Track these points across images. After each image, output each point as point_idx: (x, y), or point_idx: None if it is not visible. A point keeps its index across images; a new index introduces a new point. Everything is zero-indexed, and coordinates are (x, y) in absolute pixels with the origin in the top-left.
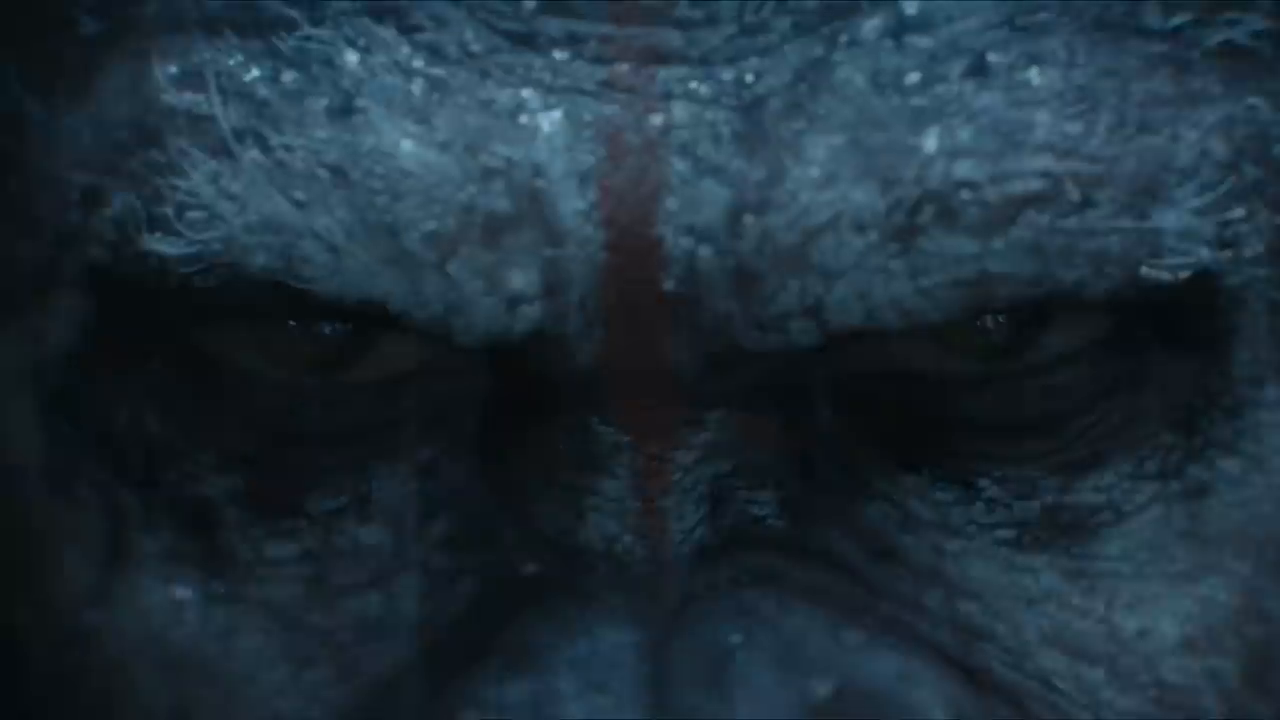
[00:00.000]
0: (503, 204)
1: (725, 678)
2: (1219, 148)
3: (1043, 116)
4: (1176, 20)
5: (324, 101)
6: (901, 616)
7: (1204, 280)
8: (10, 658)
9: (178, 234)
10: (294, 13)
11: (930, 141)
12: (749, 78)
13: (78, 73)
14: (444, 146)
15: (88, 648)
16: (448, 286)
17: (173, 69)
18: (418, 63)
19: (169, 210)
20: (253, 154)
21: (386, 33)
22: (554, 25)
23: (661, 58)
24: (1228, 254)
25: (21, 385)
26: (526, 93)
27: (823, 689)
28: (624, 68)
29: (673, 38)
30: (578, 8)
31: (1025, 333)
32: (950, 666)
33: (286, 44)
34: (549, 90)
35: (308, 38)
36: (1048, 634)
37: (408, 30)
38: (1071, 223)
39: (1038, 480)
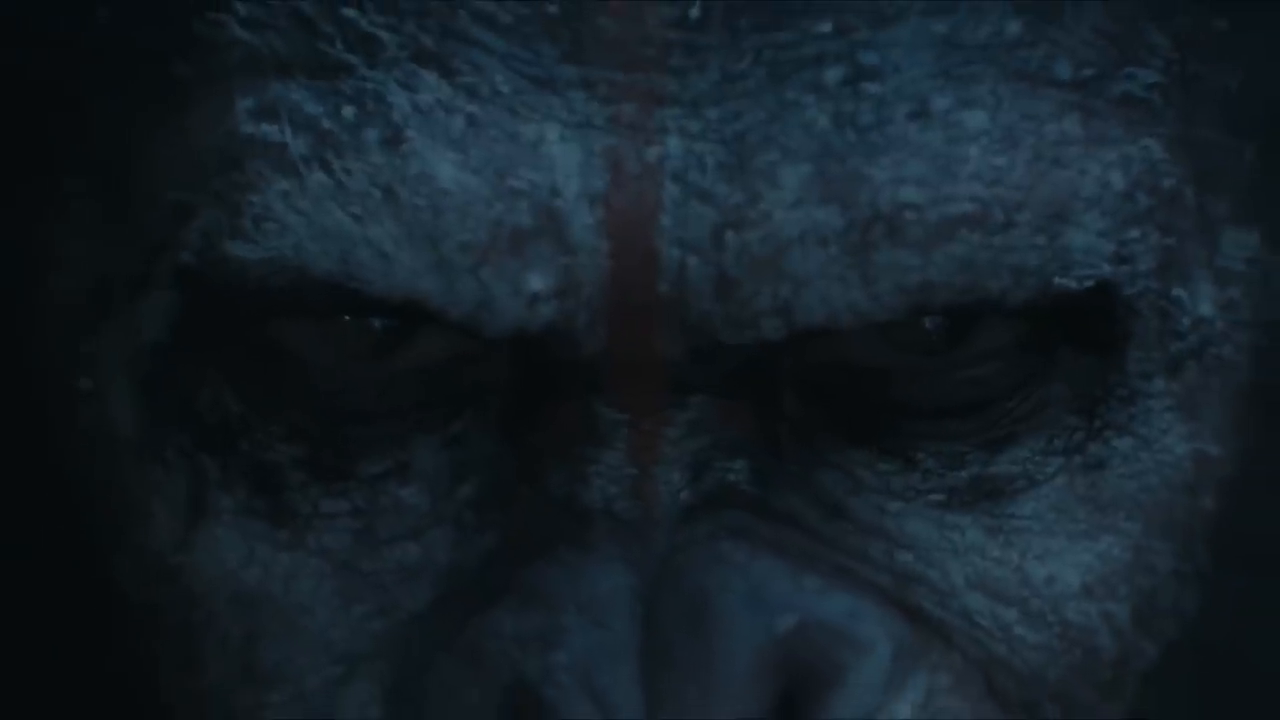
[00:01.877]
0: (525, 220)
1: (704, 615)
2: (1118, 180)
3: (974, 151)
4: (1084, 73)
5: (377, 133)
6: (851, 565)
7: (1104, 291)
8: (107, 593)
9: (254, 242)
10: (353, 59)
11: (881, 171)
12: (731, 117)
13: (171, 107)
14: (477, 171)
15: (173, 586)
16: (478, 288)
17: (251, 104)
18: (456, 101)
19: (247, 222)
20: (318, 176)
21: (430, 76)
22: (570, 71)
23: (659, 99)
24: (1125, 269)
25: (121, 370)
26: (547, 127)
27: (785, 623)
28: (628, 108)
29: (668, 83)
30: (590, 57)
31: (957, 332)
32: (891, 606)
33: (346, 84)
34: (565, 125)
35: (364, 79)
36: (971, 580)
37: (448, 74)
38: (997, 241)
39: (965, 454)
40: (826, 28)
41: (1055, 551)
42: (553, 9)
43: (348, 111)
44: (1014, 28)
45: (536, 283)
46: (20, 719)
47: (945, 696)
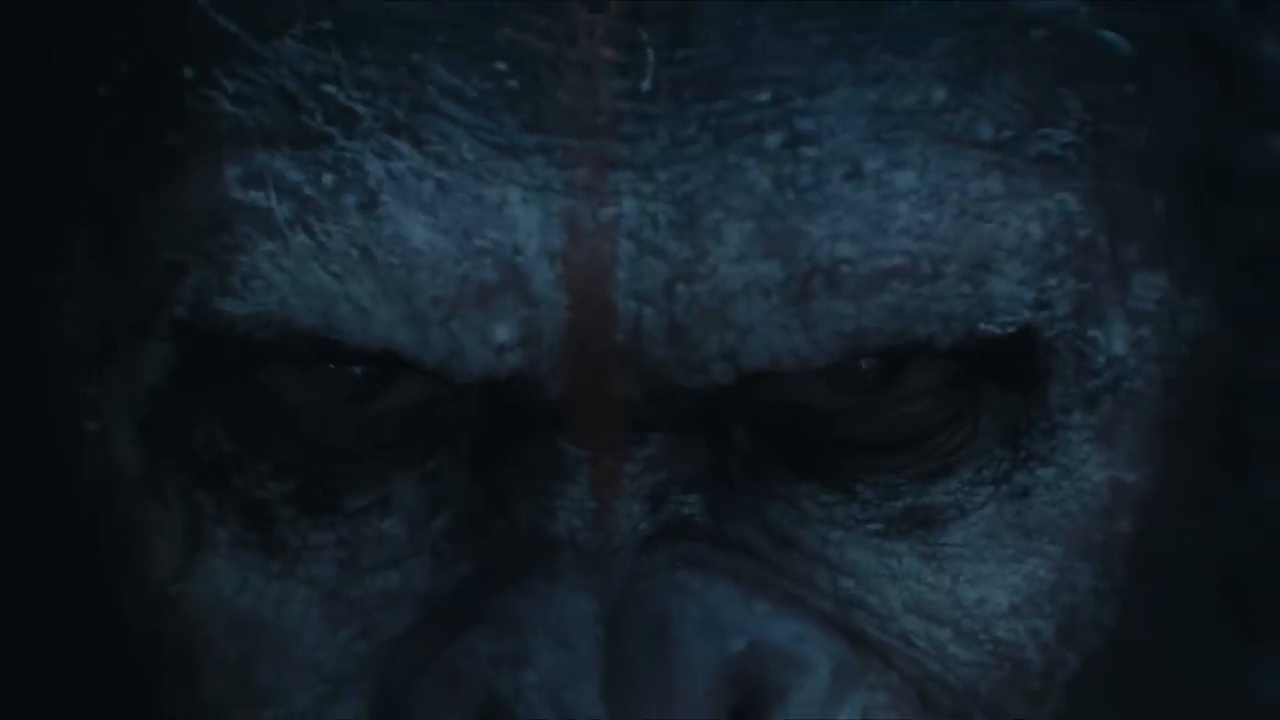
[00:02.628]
0: (491, 276)
1: (662, 638)
2: (1036, 232)
3: (903, 208)
4: (1004, 134)
5: (354, 198)
6: (797, 591)
7: (1026, 334)
8: (113, 618)
9: (242, 298)
10: (332, 130)
11: (818, 228)
12: (680, 179)
13: (166, 174)
14: (446, 232)
15: (174, 612)
16: (449, 338)
17: (239, 172)
18: (426, 168)
19: (236, 280)
20: (300, 238)
21: (402, 145)
22: (529, 139)
23: (612, 164)
24: (1044, 313)
25: (123, 412)
26: (509, 191)
27: (736, 646)
28: (583, 172)
29: (621, 149)
30: (548, 126)
31: (890, 373)
32: (834, 629)
33: (326, 154)
34: (526, 189)
35: (342, 149)
36: (908, 604)
37: (418, 143)
38: (925, 290)
39: (900, 485)
40: (765, 97)
41: (985, 575)
42: (513, 83)
43: (327, 179)
44: (939, 94)
45: (502, 333)
46: (33, 706)
47: (882, 712)
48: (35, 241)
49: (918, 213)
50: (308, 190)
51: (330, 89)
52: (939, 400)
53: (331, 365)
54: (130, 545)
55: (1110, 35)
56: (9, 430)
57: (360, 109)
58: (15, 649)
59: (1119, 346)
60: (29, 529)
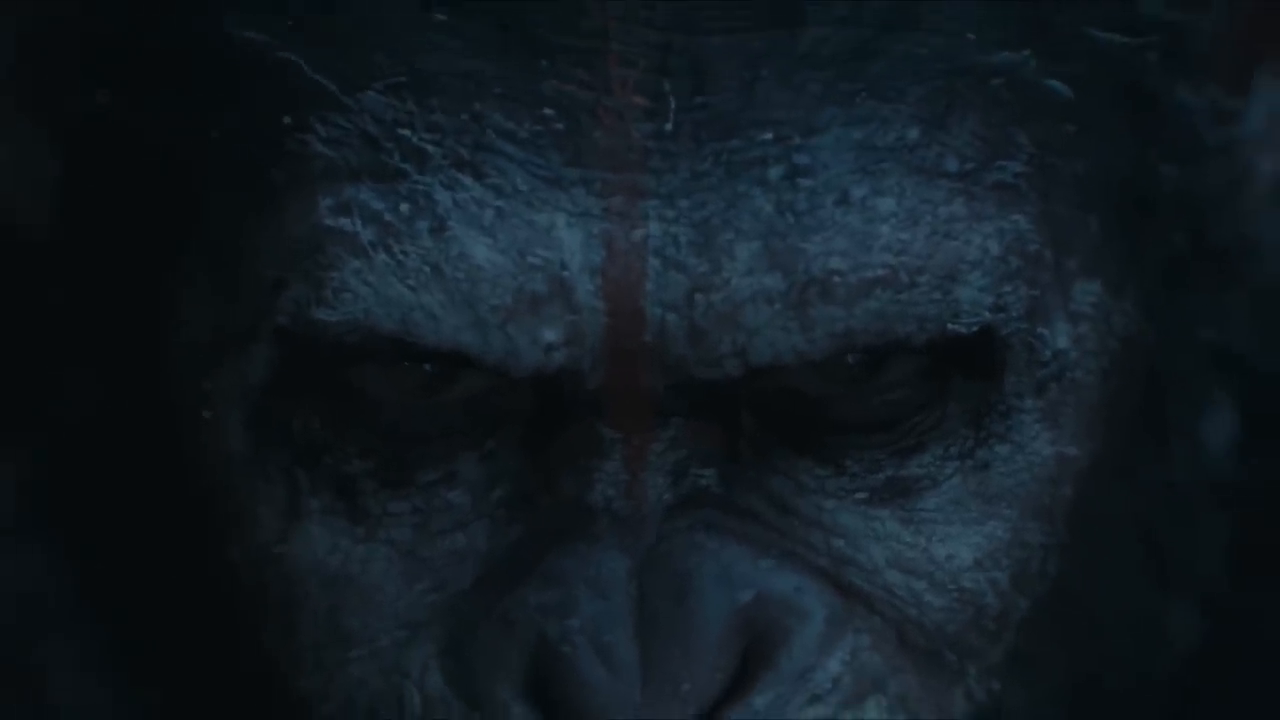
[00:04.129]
0: (541, 287)
1: (683, 590)
2: (994, 248)
3: (885, 229)
4: (967, 166)
5: (426, 224)
6: (796, 550)
7: (986, 332)
8: (226, 576)
9: (333, 308)
10: (407, 167)
11: (814, 246)
12: (698, 206)
13: (269, 205)
14: (503, 251)
15: (275, 570)
16: (506, 340)
17: (330, 203)
18: (486, 198)
19: (328, 293)
20: (382, 257)
21: (466, 179)
22: (573, 173)
23: (641, 193)
24: (1001, 315)
25: (233, 404)
26: (556, 216)
27: (746, 596)
28: (618, 200)
29: (648, 180)
30: (588, 161)
31: (873, 366)
32: (827, 582)
33: (402, 187)
34: (570, 214)
35: (416, 183)
36: (889, 560)
37: (479, 177)
38: (903, 297)
39: (882, 460)
40: (769, 136)
41: (953, 535)
42: (559, 126)
43: (404, 207)
44: (913, 133)
45: (550, 335)
46: (162, 672)
47: (867, 652)
48: (159, 264)
49: (896, 233)
50: (387, 217)
51: (405, 132)
52: (914, 388)
53: (407, 363)
54: (239, 514)
55: (1055, 83)
56: (139, 419)
57: (430, 149)
58: (145, 602)
59: (1063, 342)
60: (156, 501)
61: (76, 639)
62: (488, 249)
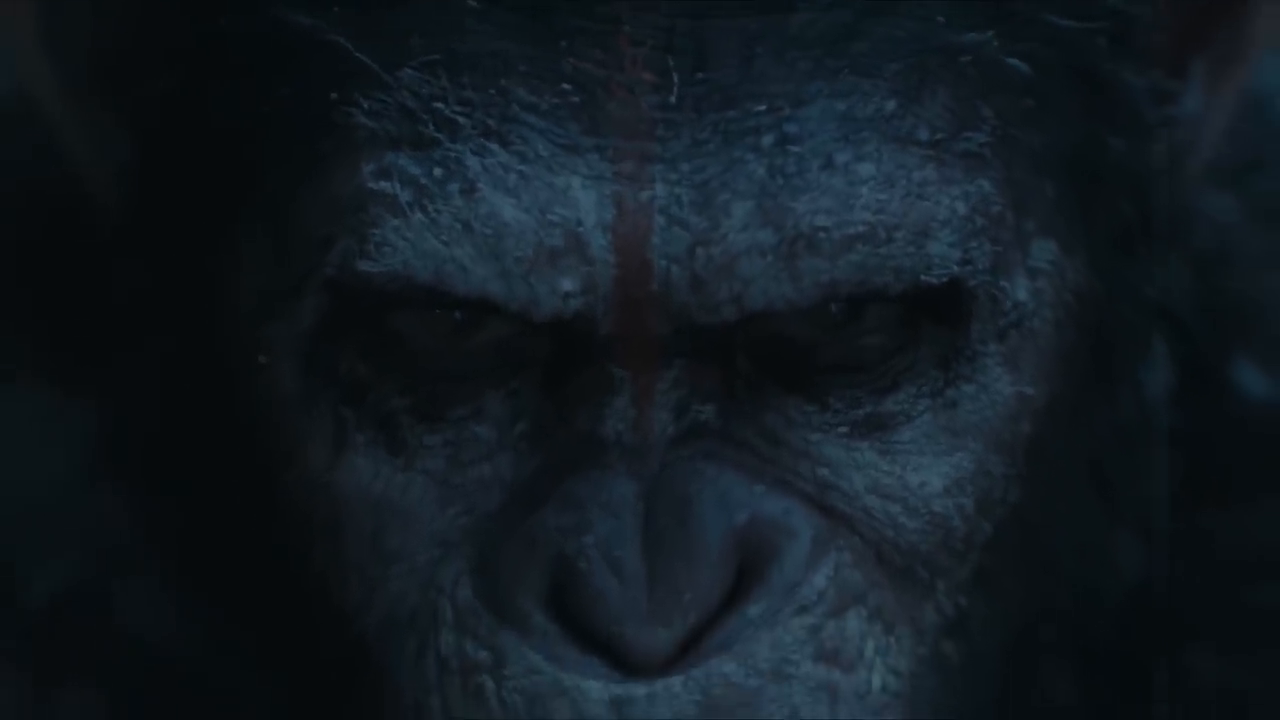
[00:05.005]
0: (559, 242)
1: (685, 512)
2: (962, 209)
3: (865, 191)
4: (938, 136)
5: (457, 186)
6: (786, 478)
7: (954, 284)
8: (277, 503)
9: (375, 261)
10: (440, 135)
11: (802, 205)
12: (699, 169)
13: (317, 170)
14: (526, 210)
15: (324, 496)
16: (528, 289)
17: (372, 168)
18: (511, 163)
19: (371, 247)
20: (418, 216)
21: (493, 146)
22: (588, 141)
23: (649, 158)
24: (968, 268)
25: (286, 349)
26: (573, 179)
27: (741, 517)
28: (628, 164)
29: (655, 147)
30: (601, 130)
31: (854, 313)
32: (813, 506)
33: (436, 153)
34: (585, 178)
35: (448, 150)
36: (868, 486)
37: (505, 144)
38: (881, 251)
39: (862, 398)
40: (762, 108)
41: (925, 465)
42: (576, 99)
43: (438, 172)
44: (890, 105)
45: (567, 285)
46: (223, 595)
47: (848, 569)
48: (220, 228)
49: (875, 194)
50: (423, 180)
51: (439, 105)
52: (890, 334)
53: (440, 310)
54: (292, 448)
55: (1015, 62)
56: (202, 369)
57: (461, 120)
58: (208, 532)
59: (1022, 294)
60: (217, 441)
61: (145, 570)
62: (512, 208)
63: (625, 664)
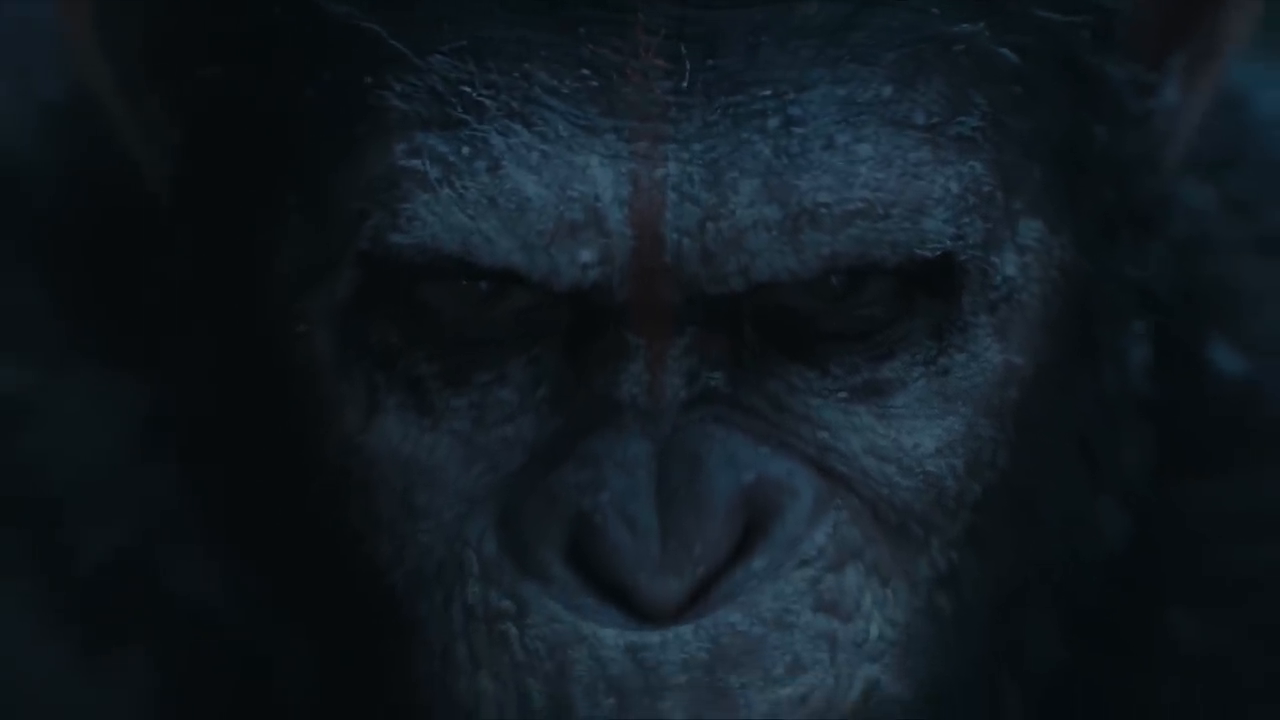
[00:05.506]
0: (579, 216)
1: (696, 471)
2: (955, 188)
3: (864, 170)
4: (933, 120)
5: (483, 164)
6: (789, 440)
7: (947, 258)
8: (314, 462)
9: (406, 234)
10: (468, 117)
11: (805, 183)
12: (709, 149)
13: (353, 150)
14: (548, 186)
15: (358, 456)
16: (549, 260)
17: (404, 147)
18: (533, 142)
19: (402, 221)
20: (446, 191)
21: (517, 127)
22: (605, 122)
23: (662, 139)
24: (960, 243)
25: (322, 318)
26: (591, 158)
27: (748, 477)
28: (643, 144)
29: (668, 128)
30: (618, 113)
31: (853, 285)
32: (814, 467)
33: (463, 134)
34: (603, 156)
35: (475, 130)
36: (865, 448)
37: (528, 125)
38: (879, 226)
39: (860, 365)
40: (768, 92)
41: (919, 428)
42: (594, 83)
43: (465, 150)
44: (888, 91)
45: (586, 256)
46: (263, 554)
47: (847, 526)
48: (261, 206)
49: (873, 173)
50: (451, 159)
51: (466, 89)
52: (886, 305)
53: (466, 281)
54: (327, 412)
55: (1005, 52)
56: (245, 340)
57: (487, 102)
58: (250, 495)
59: (1011, 269)
60: (259, 406)
61: (191, 537)
62: (534, 184)
63: (639, 612)
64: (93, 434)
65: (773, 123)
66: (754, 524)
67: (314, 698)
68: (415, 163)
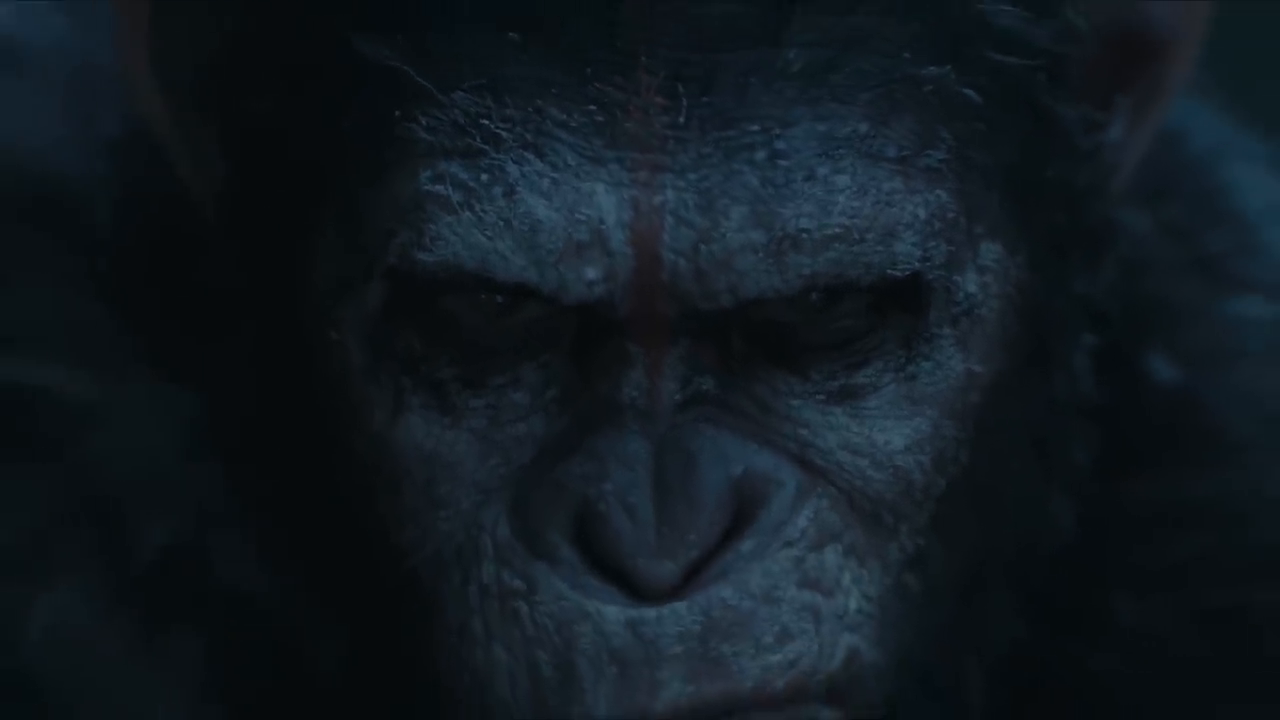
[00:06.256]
0: (585, 237)
1: (689, 465)
2: (922, 214)
3: (842, 199)
4: (904, 153)
5: (500, 189)
6: (773, 438)
7: (916, 277)
8: (344, 458)
9: (430, 251)
10: (486, 147)
11: (788, 210)
12: (703, 179)
13: (383, 175)
14: (558, 210)
15: (385, 451)
16: (558, 276)
17: (429, 174)
18: (545, 171)
19: (427, 240)
20: (466, 214)
21: (530, 157)
22: (610, 154)
23: (660, 169)
24: (927, 264)
25: (354, 327)
26: (597, 185)
27: (737, 471)
28: (643, 173)
29: (666, 159)
30: (621, 145)
31: (831, 301)
32: (796, 462)
33: (483, 162)
34: (607, 184)
35: (493, 159)
36: (842, 445)
37: (540, 155)
38: (855, 249)
39: (837, 371)
40: (756, 128)
41: (890, 427)
42: (600, 118)
43: (483, 177)
44: (863, 127)
45: (591, 274)
46: (301, 537)
47: (826, 512)
48: (299, 226)
49: (850, 201)
50: (471, 185)
51: (485, 122)
52: (861, 318)
53: (484, 294)
54: (358, 411)
55: (970, 92)
56: (284, 346)
57: (504, 134)
58: (289, 488)
59: (972, 287)
60: (296, 407)
61: (238, 528)
62: (545, 208)
63: (638, 591)
64: (150, 437)
65: (760, 155)
66: (742, 512)
67: (345, 671)
68: (439, 188)
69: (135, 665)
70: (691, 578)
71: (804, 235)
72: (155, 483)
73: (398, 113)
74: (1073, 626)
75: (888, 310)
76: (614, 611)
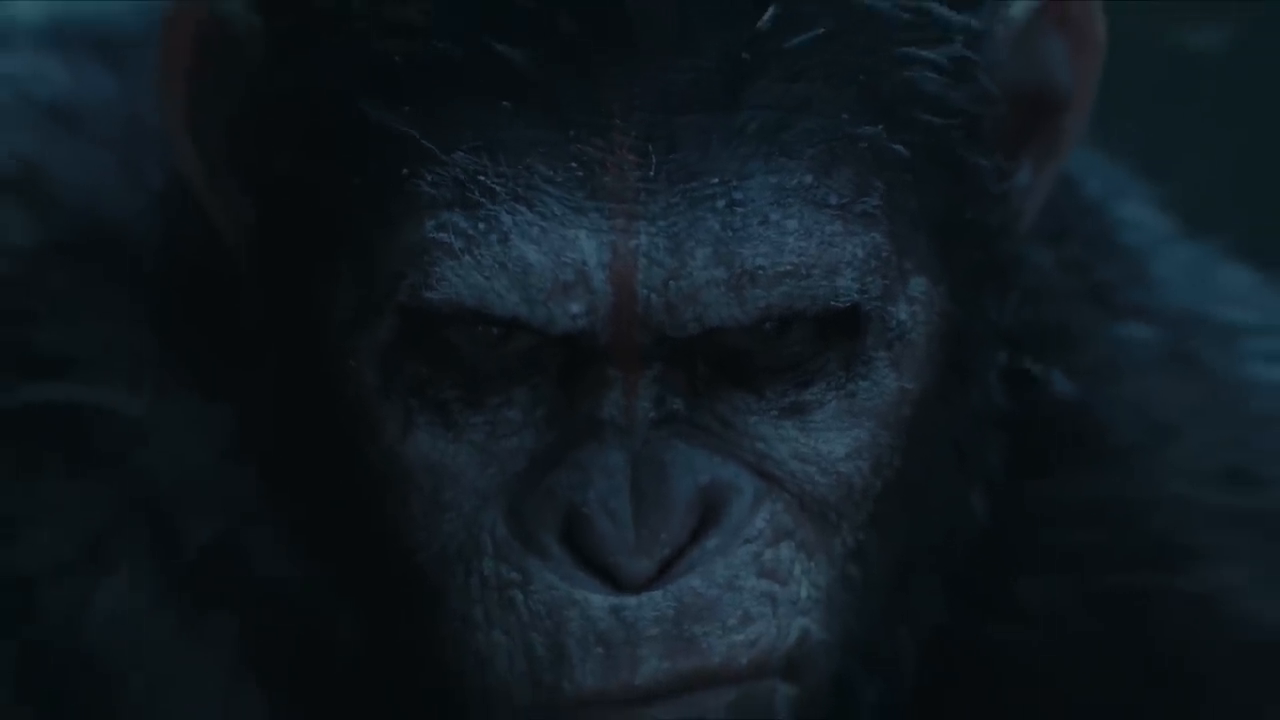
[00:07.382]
0: (570, 277)
1: (662, 475)
2: (860, 253)
3: (791, 240)
4: (843, 200)
5: (496, 236)
6: (734, 451)
7: (854, 308)
8: (360, 470)
9: (436, 290)
10: (483, 200)
11: (747, 251)
12: (671, 225)
13: (391, 224)
14: (546, 254)
15: (396, 463)
16: (547, 312)
17: (433, 223)
18: (534, 220)
19: (433, 280)
20: (466, 258)
21: (521, 208)
22: (590, 204)
23: (635, 216)
24: (864, 296)
25: (368, 356)
26: (579, 232)
27: (704, 480)
28: (620, 221)
29: (639, 208)
30: (600, 196)
31: (782, 329)
32: (753, 471)
33: (480, 213)
34: (589, 231)
35: (489, 210)
36: (792, 455)
37: (531, 206)
38: (803, 284)
39: (788, 390)
40: (716, 180)
41: (833, 438)
42: (581, 174)
43: (481, 226)
44: (809, 179)
45: (576, 309)
46: (324, 537)
47: (780, 514)
48: (319, 269)
49: (798, 243)
50: (470, 232)
51: (482, 178)
52: (808, 344)
53: (482, 327)
54: (372, 428)
55: (899, 147)
56: (306, 374)
57: (498, 188)
58: (314, 495)
59: (903, 315)
60: (318, 425)
61: (271, 527)
62: (535, 252)
63: (619, 583)
64: (193, 448)
65: (720, 204)
66: (708, 515)
67: (364, 652)
68: (442, 235)
69: (181, 645)
70: (665, 571)
71: (760, 272)
72: (197, 487)
73: (405, 170)
74: (985, 606)
75: (831, 336)
76: (599, 599)
